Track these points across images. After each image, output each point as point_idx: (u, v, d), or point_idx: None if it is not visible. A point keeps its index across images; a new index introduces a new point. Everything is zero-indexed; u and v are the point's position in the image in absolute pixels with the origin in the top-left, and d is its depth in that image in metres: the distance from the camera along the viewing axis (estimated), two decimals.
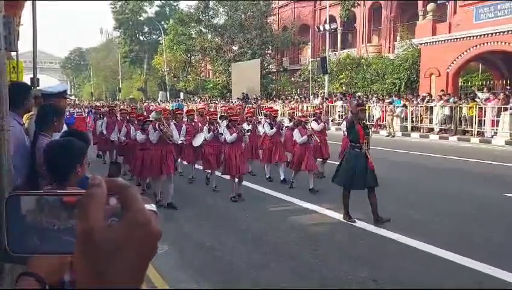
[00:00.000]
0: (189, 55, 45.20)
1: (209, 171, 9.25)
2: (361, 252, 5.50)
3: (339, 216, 6.95)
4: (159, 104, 38.24)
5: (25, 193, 0.58)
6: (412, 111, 20.36)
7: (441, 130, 19.00)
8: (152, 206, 0.54)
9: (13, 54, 10.84)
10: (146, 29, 60.83)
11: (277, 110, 12.56)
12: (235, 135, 8.10)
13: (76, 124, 22.11)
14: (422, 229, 6.27)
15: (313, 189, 8.51)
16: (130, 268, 0.49)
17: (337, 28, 33.26)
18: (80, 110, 24.87)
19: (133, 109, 14.21)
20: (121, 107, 19.58)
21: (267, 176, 9.84)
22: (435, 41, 22.19)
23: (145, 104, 39.51)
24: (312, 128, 9.48)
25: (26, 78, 14.55)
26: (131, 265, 0.49)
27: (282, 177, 9.57)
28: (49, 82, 61.87)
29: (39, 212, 0.56)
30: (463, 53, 21.02)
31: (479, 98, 18.21)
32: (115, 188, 0.52)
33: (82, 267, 0.50)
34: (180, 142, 9.08)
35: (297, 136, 8.89)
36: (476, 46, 20.50)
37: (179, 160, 10.02)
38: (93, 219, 0.49)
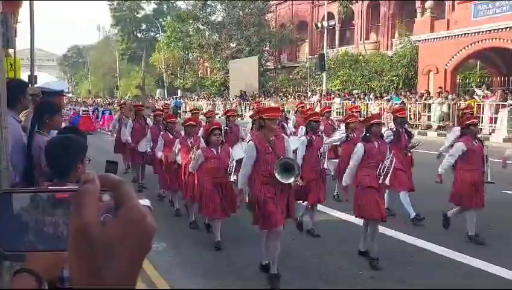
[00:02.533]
0: (186, 52, 45.18)
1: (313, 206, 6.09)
2: (349, 248, 5.49)
3: (337, 214, 6.96)
4: (156, 101, 38.08)
5: (16, 191, 0.57)
6: (410, 108, 20.38)
7: (439, 127, 19.02)
8: (146, 202, 0.53)
9: (11, 51, 10.80)
10: (143, 26, 60.67)
11: (403, 109, 8.57)
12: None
13: (82, 123, 20.58)
14: (420, 226, 6.28)
15: (478, 237, 5.54)
16: (125, 264, 0.49)
17: (335, 24, 33.23)
18: (86, 109, 23.44)
19: (167, 110, 10.12)
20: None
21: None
22: (433, 38, 22.18)
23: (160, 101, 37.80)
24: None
25: (24, 76, 14.50)
26: (126, 261, 0.49)
27: (413, 215, 6.45)
28: (46, 80, 61.60)
29: (32, 209, 0.56)
30: (461, 50, 21.02)
31: (477, 95, 18.25)
32: (108, 184, 0.52)
33: (76, 264, 0.49)
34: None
35: (458, 150, 5.65)
36: (474, 43, 20.50)
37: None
38: (87, 215, 0.49)
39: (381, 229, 6.08)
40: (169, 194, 7.73)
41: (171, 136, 7.10)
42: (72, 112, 23.23)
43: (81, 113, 22.10)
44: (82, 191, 0.50)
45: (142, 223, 0.50)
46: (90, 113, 22.77)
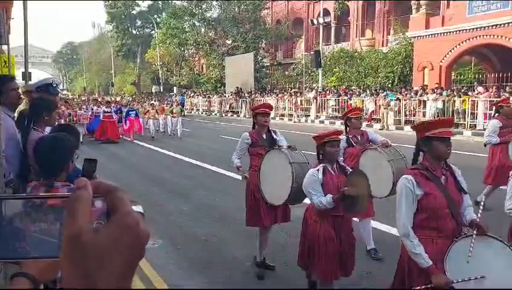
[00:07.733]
0: (182, 49, 45.02)
1: None
2: (357, 245, 5.50)
3: None
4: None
5: (8, 197, 0.56)
6: (405, 104, 20.44)
7: None
8: (139, 208, 0.53)
9: (4, 48, 10.73)
10: (139, 22, 60.45)
11: None
12: None
13: (109, 129, 17.13)
14: None
15: None
16: (118, 270, 0.49)
17: (330, 21, 33.22)
18: (108, 109, 17.99)
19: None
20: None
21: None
22: (428, 35, 22.24)
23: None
24: None
25: (18, 73, 14.43)
26: (119, 267, 0.49)
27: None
28: (41, 76, 61.37)
29: (25, 216, 0.55)
30: (456, 46, 21.10)
31: (473, 90, 18.36)
32: (101, 191, 0.52)
33: (69, 271, 0.49)
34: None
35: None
36: (469, 39, 20.59)
37: None
38: (80, 222, 0.49)
39: (379, 225, 6.11)
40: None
41: None
42: (89, 113, 19.17)
43: (101, 116, 17.54)
44: (75, 197, 0.50)
45: (136, 229, 0.50)
46: (113, 115, 17.99)
